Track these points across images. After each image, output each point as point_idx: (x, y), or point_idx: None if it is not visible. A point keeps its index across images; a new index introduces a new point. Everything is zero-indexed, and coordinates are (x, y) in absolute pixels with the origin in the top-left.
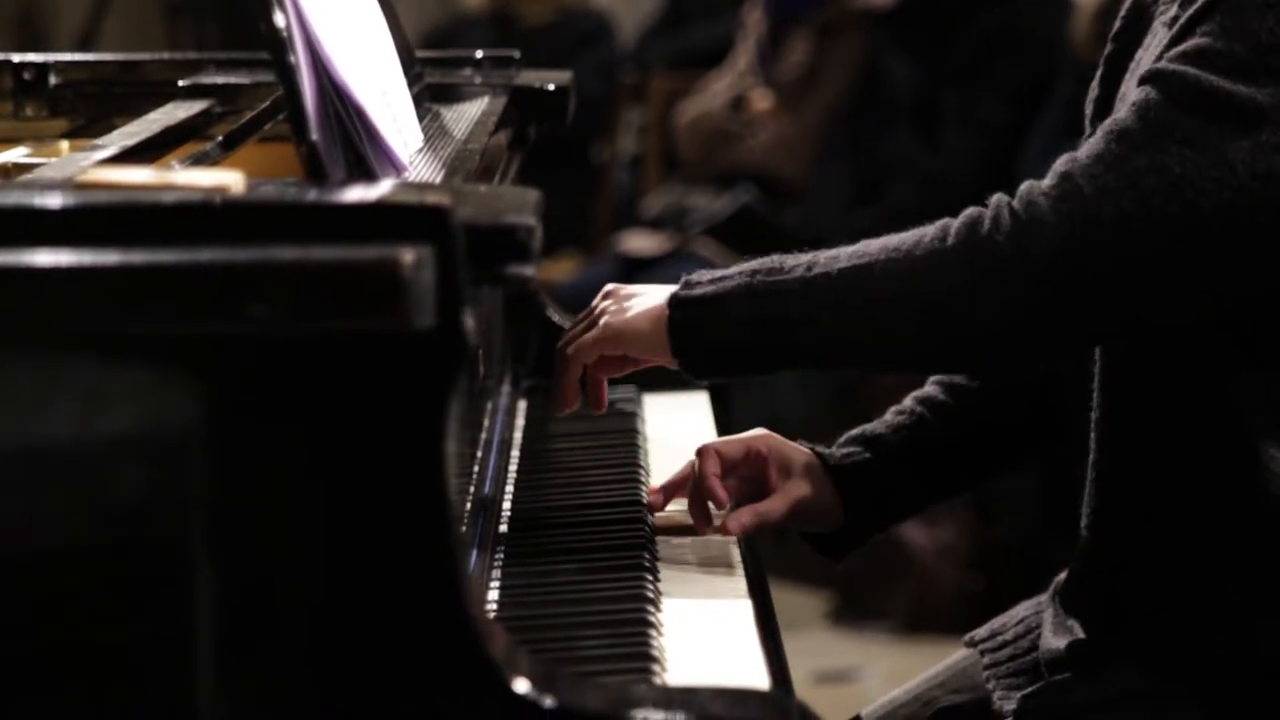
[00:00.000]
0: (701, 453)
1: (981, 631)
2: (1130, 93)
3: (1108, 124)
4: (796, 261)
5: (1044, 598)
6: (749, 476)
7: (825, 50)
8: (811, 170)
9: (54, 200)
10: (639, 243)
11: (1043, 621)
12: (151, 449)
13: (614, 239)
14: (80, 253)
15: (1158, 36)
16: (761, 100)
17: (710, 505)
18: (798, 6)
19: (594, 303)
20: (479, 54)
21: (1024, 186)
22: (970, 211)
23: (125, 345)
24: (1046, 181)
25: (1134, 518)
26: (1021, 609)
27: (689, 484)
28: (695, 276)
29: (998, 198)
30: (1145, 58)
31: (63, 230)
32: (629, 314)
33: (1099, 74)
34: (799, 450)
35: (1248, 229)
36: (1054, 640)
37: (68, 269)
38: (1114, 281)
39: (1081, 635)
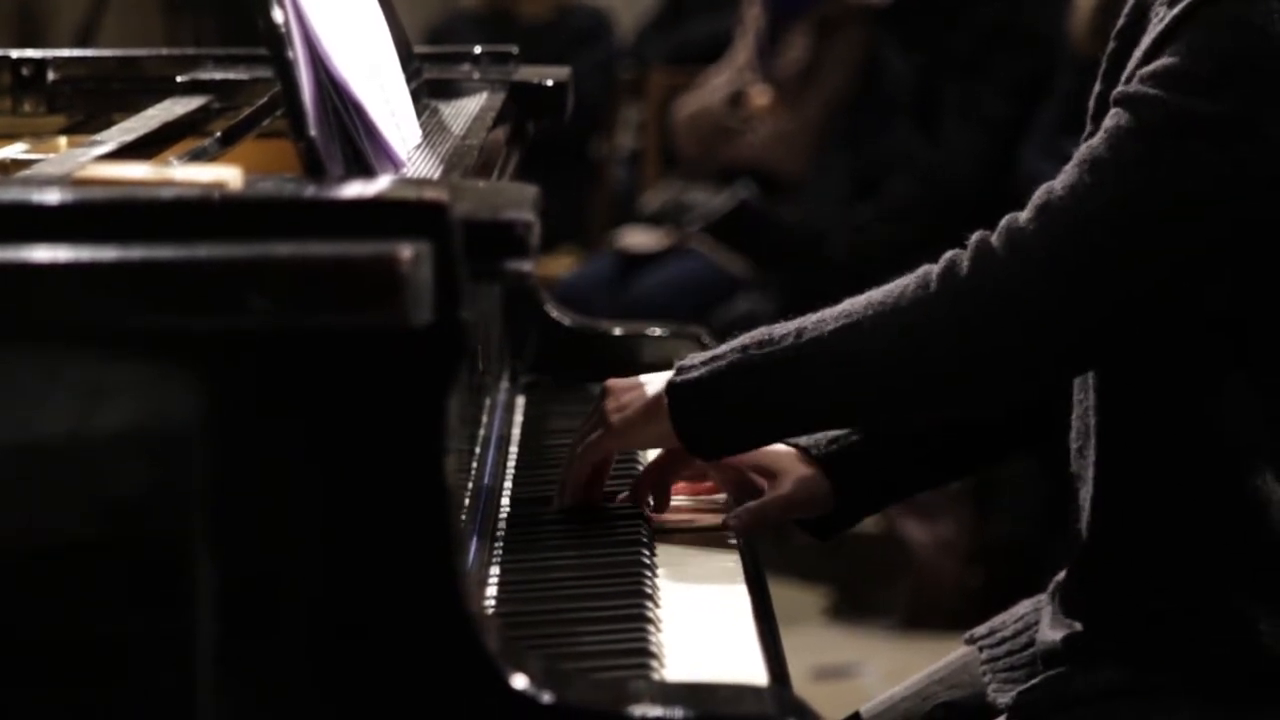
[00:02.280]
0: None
1: (981, 629)
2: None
3: (1082, 152)
4: (785, 330)
5: (1043, 595)
6: (725, 480)
7: (824, 45)
8: (811, 165)
9: (52, 196)
10: (638, 239)
11: (1041, 618)
12: (150, 445)
13: (613, 235)
14: (78, 249)
15: (1135, 55)
16: (760, 96)
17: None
18: (797, 1)
19: (595, 405)
20: (477, 50)
21: (1003, 222)
22: (949, 255)
23: (124, 341)
24: (1025, 215)
25: (1129, 515)
26: (1021, 607)
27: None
28: (688, 361)
29: (977, 237)
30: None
31: (61, 226)
32: (630, 411)
33: (1101, 70)
34: (774, 449)
35: (1227, 247)
36: (1050, 634)
37: (66, 265)
38: (1098, 308)
39: (1078, 629)
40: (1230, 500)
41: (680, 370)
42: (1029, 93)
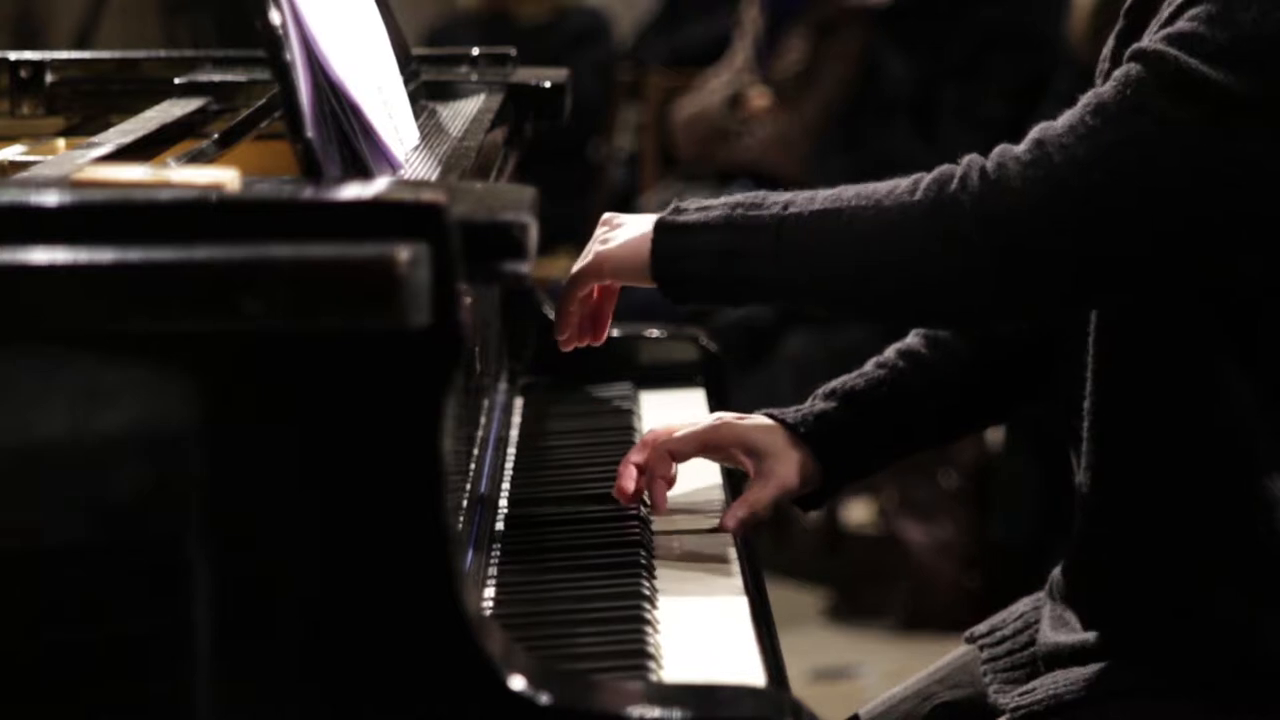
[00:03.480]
0: (651, 447)
1: (981, 627)
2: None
3: (1088, 95)
4: (777, 199)
5: (1042, 593)
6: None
7: (822, 47)
8: (809, 167)
9: (50, 198)
10: None
11: (1041, 617)
12: (148, 446)
13: None
14: (76, 250)
15: (1161, 15)
16: (759, 97)
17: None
18: (795, 3)
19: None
20: (475, 51)
21: (998, 149)
22: (943, 168)
23: (121, 343)
24: (1021, 147)
25: (1129, 516)
26: (1021, 605)
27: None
28: (685, 203)
29: (970, 157)
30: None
31: (59, 228)
32: (615, 242)
33: (1109, 49)
34: (761, 426)
35: (1212, 212)
36: (1052, 635)
37: (64, 266)
38: (1074, 252)
39: (1079, 630)
40: (1231, 500)
41: (674, 210)
42: (1027, 95)
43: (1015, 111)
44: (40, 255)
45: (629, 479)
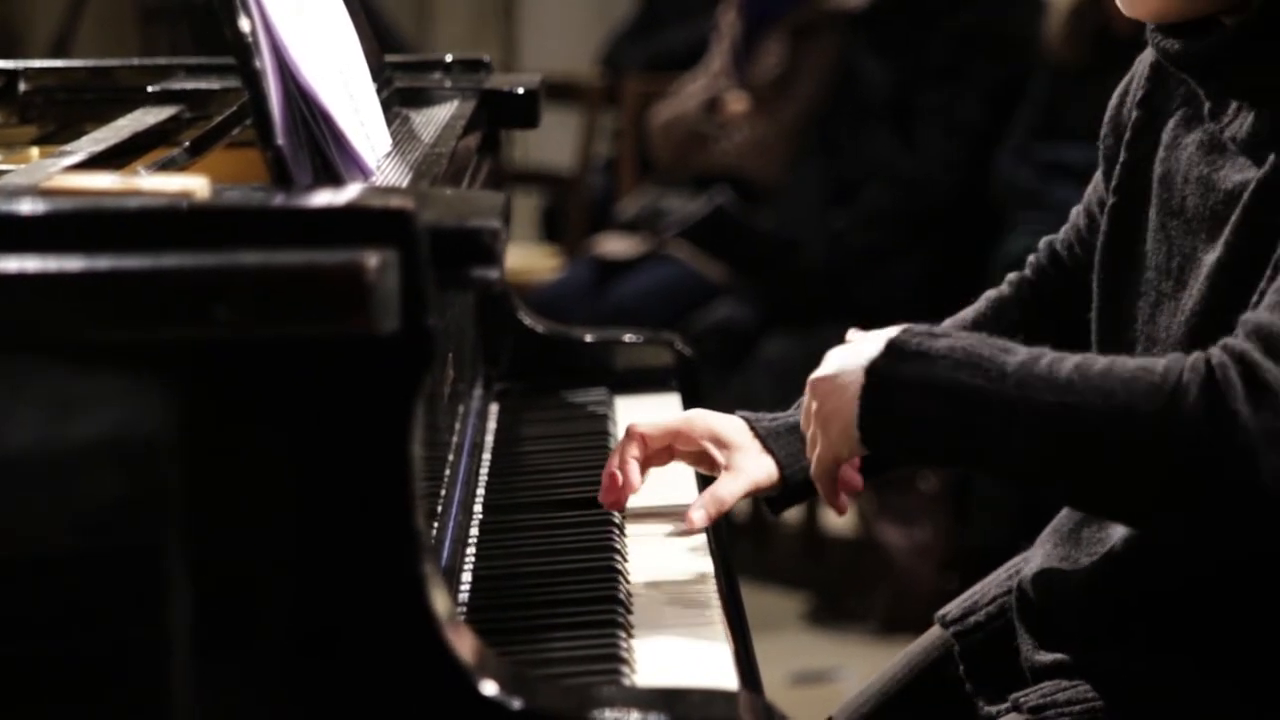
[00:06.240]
0: (626, 433)
1: (953, 610)
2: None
3: None
4: (1005, 370)
5: (1013, 575)
6: (689, 453)
7: (800, 52)
8: (787, 172)
9: (19, 206)
10: (614, 245)
11: (1016, 626)
12: (119, 454)
13: (589, 242)
14: (45, 259)
15: (1216, 146)
16: (736, 102)
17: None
18: (772, 8)
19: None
20: (448, 58)
21: (1238, 350)
22: (1184, 366)
23: (91, 351)
24: (1257, 349)
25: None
26: (993, 588)
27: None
28: (906, 343)
29: (1218, 360)
30: (1187, 160)
31: (28, 236)
32: (830, 431)
33: (1126, 138)
34: (732, 422)
35: None
36: (1035, 655)
37: (33, 275)
38: None
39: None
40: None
41: (894, 353)
42: (1004, 98)
43: (993, 115)
44: (10, 264)
45: (613, 487)
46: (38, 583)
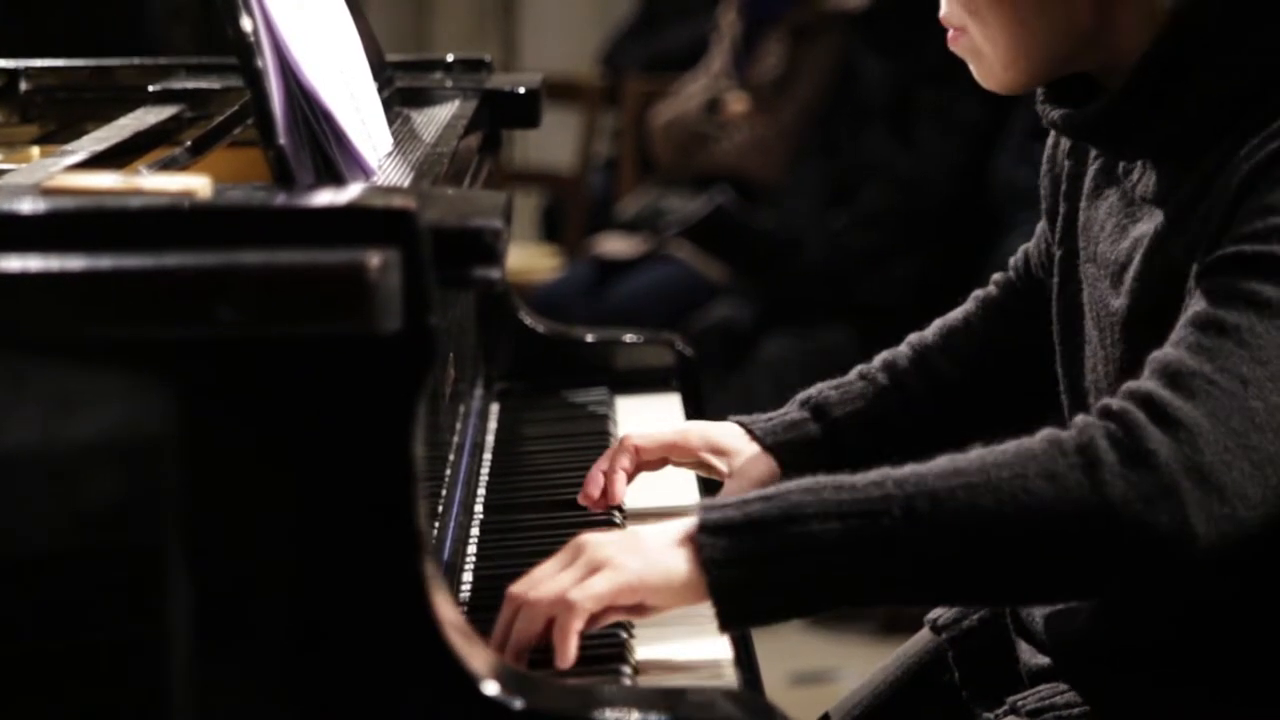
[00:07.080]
0: (620, 443)
1: (944, 615)
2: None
3: (1207, 315)
4: (872, 495)
5: None
6: (687, 464)
7: (799, 52)
8: (786, 171)
9: (21, 206)
10: (614, 245)
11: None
12: (121, 453)
13: (589, 242)
14: (47, 258)
15: (1128, 198)
16: (736, 102)
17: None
18: (772, 8)
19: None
20: (449, 57)
21: (1139, 393)
22: (1079, 441)
23: (93, 350)
24: (1159, 386)
25: None
26: None
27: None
28: (714, 516)
29: (1119, 408)
30: (1107, 209)
31: (29, 236)
32: (635, 568)
33: (1064, 189)
34: (727, 429)
35: None
36: (1033, 659)
37: (35, 275)
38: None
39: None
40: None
41: (711, 528)
42: (1003, 98)
43: (990, 115)
44: (12, 263)
45: (595, 485)
46: (38, 582)
